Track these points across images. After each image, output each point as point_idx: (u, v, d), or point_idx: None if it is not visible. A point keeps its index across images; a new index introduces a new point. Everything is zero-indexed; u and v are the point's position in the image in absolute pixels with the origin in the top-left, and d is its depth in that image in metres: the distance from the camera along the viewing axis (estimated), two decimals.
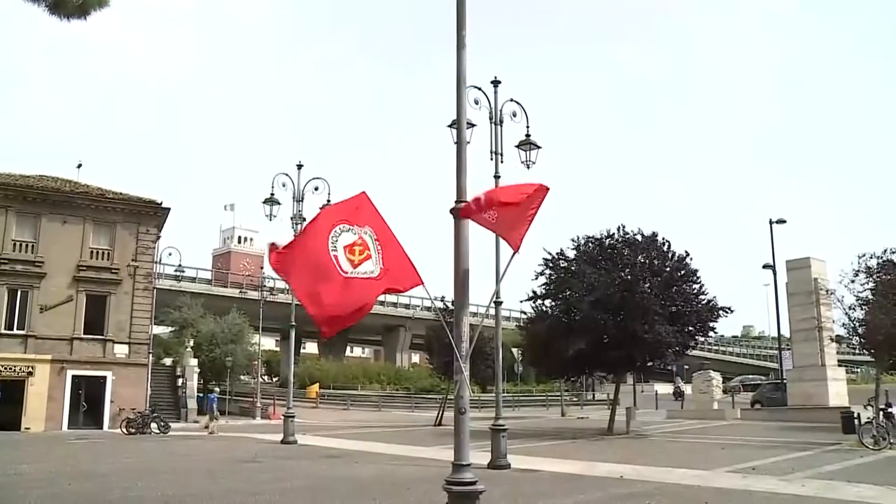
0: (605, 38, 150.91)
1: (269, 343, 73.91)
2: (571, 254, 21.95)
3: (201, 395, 33.75)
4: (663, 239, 21.74)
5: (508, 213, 5.04)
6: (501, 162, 13.35)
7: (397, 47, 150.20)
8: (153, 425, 25.52)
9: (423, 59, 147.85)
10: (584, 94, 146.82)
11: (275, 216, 19.68)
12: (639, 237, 21.72)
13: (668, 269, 21.26)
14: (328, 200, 18.45)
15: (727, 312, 21.42)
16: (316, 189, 19.32)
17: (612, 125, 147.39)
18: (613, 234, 21.93)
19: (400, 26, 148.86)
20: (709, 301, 21.30)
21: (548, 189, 5.13)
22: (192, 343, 38.71)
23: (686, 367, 45.56)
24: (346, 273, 4.85)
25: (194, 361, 36.89)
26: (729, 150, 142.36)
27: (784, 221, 29.45)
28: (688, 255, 21.47)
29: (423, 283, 5.14)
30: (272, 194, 19.63)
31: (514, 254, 5.27)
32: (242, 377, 47.26)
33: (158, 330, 44.43)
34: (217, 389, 33.63)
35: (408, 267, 5.13)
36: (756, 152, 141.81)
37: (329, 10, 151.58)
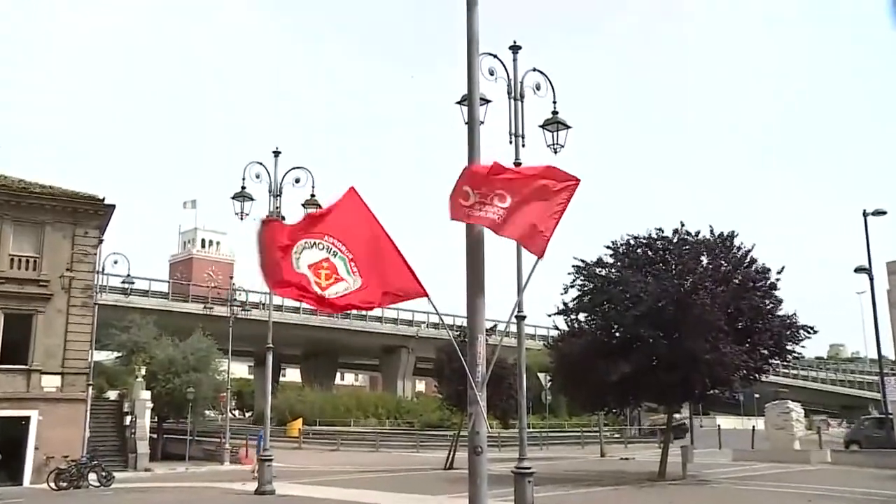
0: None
1: (240, 370, 74.31)
2: (611, 259, 22.04)
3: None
4: (728, 235, 21.70)
5: (524, 207, 5.02)
6: (523, 146, 13.38)
7: (385, 35, 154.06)
8: (91, 476, 24.95)
9: (414, 50, 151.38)
10: (620, 82, 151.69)
11: (247, 214, 19.71)
12: (704, 236, 21.80)
13: (738, 276, 21.30)
14: (312, 195, 18.54)
15: (809, 333, 21.46)
16: (297, 181, 19.32)
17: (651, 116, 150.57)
18: (667, 235, 22.02)
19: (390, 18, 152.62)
20: (787, 318, 21.35)
21: (578, 181, 5.13)
22: (143, 372, 38.80)
23: (757, 395, 45.46)
24: (319, 292, 5.03)
25: (147, 394, 37.04)
26: (814, 137, 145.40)
27: (883, 213, 27.69)
28: (777, 273, 21.57)
29: (427, 295, 5.14)
30: (243, 188, 19.66)
31: (538, 259, 5.26)
32: (207, 412, 47.46)
33: (101, 356, 44.73)
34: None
35: (405, 274, 5.15)
36: (846, 140, 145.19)
37: None
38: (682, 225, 22.26)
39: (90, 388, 30.62)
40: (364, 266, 5.12)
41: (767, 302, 21.49)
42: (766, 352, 21.63)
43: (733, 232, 22.08)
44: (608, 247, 22.40)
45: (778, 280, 21.76)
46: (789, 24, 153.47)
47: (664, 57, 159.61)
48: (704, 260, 21.44)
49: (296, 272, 5.02)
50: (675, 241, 21.95)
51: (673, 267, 21.26)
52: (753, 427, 38.14)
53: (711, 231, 22.04)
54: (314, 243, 5.09)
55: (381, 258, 5.16)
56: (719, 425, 43.77)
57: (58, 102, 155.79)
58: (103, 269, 33.99)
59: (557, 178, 5.20)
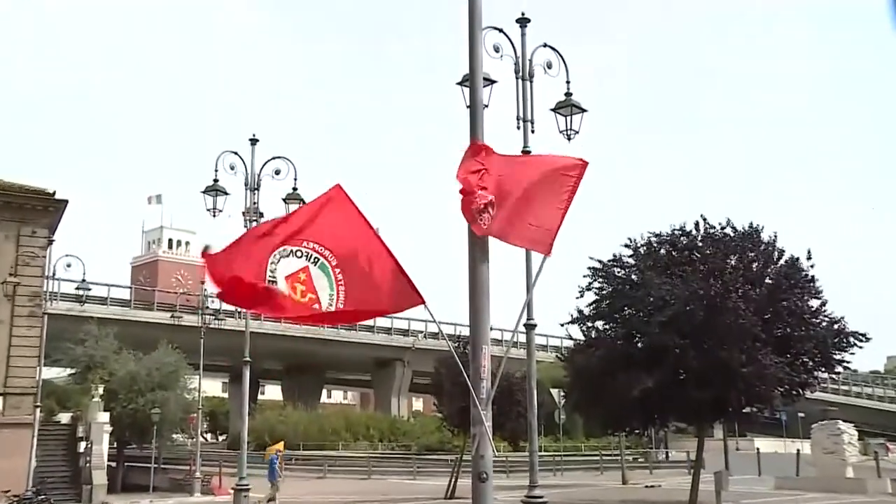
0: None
1: (213, 387, 74.39)
2: (632, 259, 22.08)
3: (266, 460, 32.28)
4: (755, 229, 21.80)
5: (523, 202, 5.03)
6: (532, 132, 13.38)
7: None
8: None
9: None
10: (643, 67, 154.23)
11: (220, 211, 19.69)
12: (729, 231, 21.85)
13: (771, 275, 21.34)
14: (294, 189, 18.56)
15: (861, 340, 21.48)
16: (277, 173, 19.32)
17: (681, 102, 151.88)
18: (690, 230, 22.11)
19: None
20: (834, 323, 21.37)
21: (585, 164, 5.16)
22: (101, 391, 38.78)
23: (802, 415, 45.47)
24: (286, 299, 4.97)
25: (105, 416, 37.02)
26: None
27: None
28: (806, 259, 21.57)
29: (423, 302, 5.15)
30: (216, 180, 19.66)
31: (544, 258, 5.31)
32: (175, 436, 47.49)
33: (51, 373, 44.76)
34: (281, 448, 33.24)
35: (399, 281, 5.13)
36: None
37: None
38: (704, 219, 22.28)
39: (38, 410, 30.24)
40: (350, 274, 5.08)
41: (809, 303, 21.48)
42: (810, 363, 21.64)
43: (757, 225, 22.05)
44: (627, 245, 22.44)
45: (812, 268, 21.63)
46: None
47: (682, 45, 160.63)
48: (732, 259, 21.44)
49: (263, 278, 4.90)
50: (700, 237, 21.96)
51: (700, 267, 21.27)
52: (798, 451, 38.12)
53: (730, 224, 21.97)
54: (292, 251, 5.03)
55: (371, 263, 5.13)
56: (758, 448, 43.72)
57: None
58: (54, 274, 33.91)
59: (560, 164, 5.23)
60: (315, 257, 5.06)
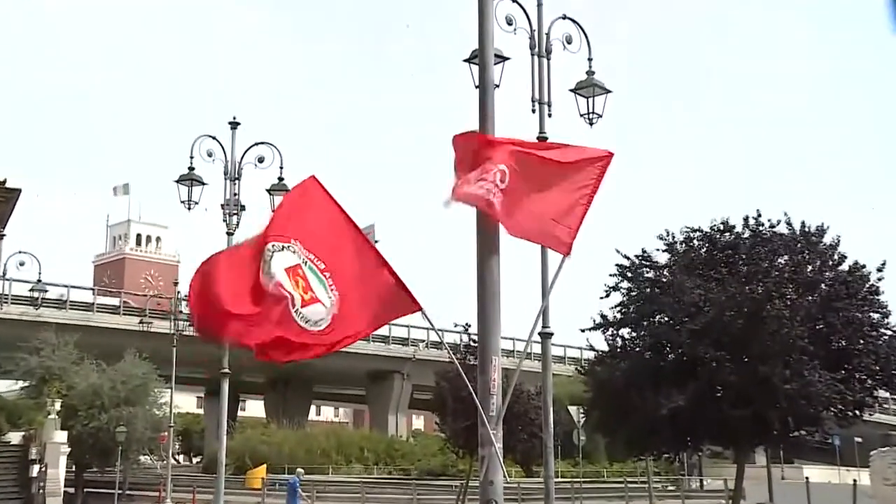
0: None
1: (187, 402, 74.38)
2: (663, 258, 22.12)
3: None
4: (818, 230, 21.81)
5: (538, 193, 5.02)
6: (549, 115, 13.35)
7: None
8: None
9: None
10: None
11: (195, 203, 19.74)
12: (784, 229, 21.90)
13: (828, 280, 21.35)
14: (280, 178, 18.61)
15: None
16: (260, 161, 19.36)
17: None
18: (734, 225, 22.13)
19: None
20: None
21: (610, 156, 5.22)
22: (58, 406, 38.93)
23: (859, 439, 45.37)
24: (293, 302, 4.86)
25: (62, 436, 37.14)
26: None
27: None
28: (877, 271, 21.61)
29: (420, 309, 5.21)
30: (192, 168, 19.71)
31: (563, 259, 5.35)
32: (143, 458, 47.59)
33: (2, 386, 44.89)
34: (301, 472, 33.12)
35: (391, 286, 5.14)
36: None
37: None
38: (759, 214, 22.31)
39: None
40: (341, 280, 5.04)
41: (870, 314, 21.50)
42: (868, 381, 21.64)
43: (821, 224, 22.12)
44: (661, 237, 22.46)
45: (881, 280, 21.73)
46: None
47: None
48: (782, 260, 21.46)
49: (266, 280, 4.81)
50: (745, 235, 21.99)
51: (740, 269, 21.29)
52: (855, 481, 37.92)
53: (787, 221, 22.03)
54: (284, 246, 4.96)
55: (359, 267, 5.13)
56: (807, 478, 43.53)
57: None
58: (5, 274, 34.13)
59: (583, 155, 5.24)
60: (304, 259, 5.00)
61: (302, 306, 4.88)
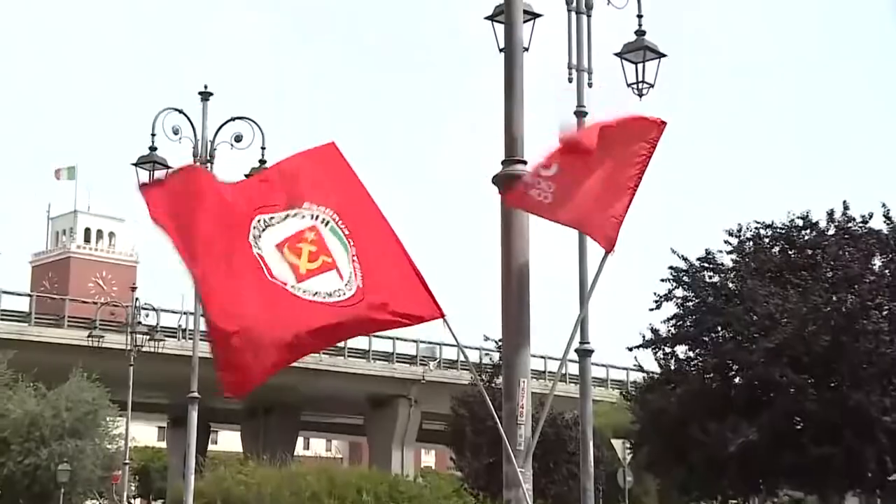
0: None
1: (147, 434, 74.79)
2: (728, 260, 22.13)
3: None
4: None
5: (583, 176, 4.94)
6: (589, 85, 13.38)
7: None
8: None
9: None
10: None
11: None
12: (883, 227, 21.89)
13: None
14: (262, 160, 18.73)
15: None
16: (238, 140, 19.49)
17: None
18: (816, 221, 22.11)
19: None
20: None
21: (663, 124, 5.18)
22: None
23: None
24: (285, 284, 4.86)
25: None
26: None
27: None
28: None
29: (443, 315, 5.20)
30: (153, 149, 19.87)
31: (605, 255, 5.29)
32: (91, 502, 47.78)
33: None
34: None
35: (415, 287, 5.14)
36: None
37: None
38: (847, 207, 22.28)
39: None
40: (364, 254, 5.04)
41: None
42: None
43: None
44: (730, 232, 22.49)
45: None
46: None
47: None
48: (878, 263, 21.46)
49: (254, 258, 4.84)
50: (830, 232, 21.99)
51: (826, 273, 21.28)
52: None
53: (887, 216, 22.00)
54: (288, 214, 4.98)
55: (382, 250, 5.12)
56: None
57: None
58: None
59: (632, 126, 5.16)
60: (326, 220, 5.01)
61: (298, 281, 4.87)
